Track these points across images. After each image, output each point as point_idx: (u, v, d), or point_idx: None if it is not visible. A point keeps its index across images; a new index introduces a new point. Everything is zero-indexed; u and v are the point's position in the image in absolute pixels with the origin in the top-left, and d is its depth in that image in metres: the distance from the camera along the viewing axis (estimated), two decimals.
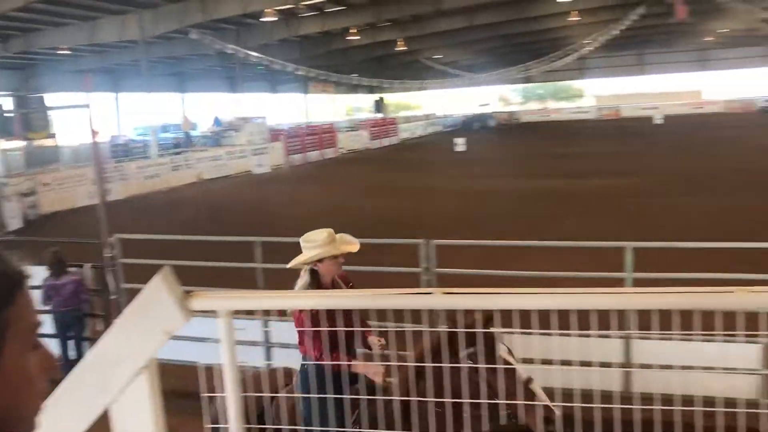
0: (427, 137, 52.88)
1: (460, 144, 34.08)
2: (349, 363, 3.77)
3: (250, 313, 6.04)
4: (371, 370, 3.80)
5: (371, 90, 58.45)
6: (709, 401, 3.51)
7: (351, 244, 4.01)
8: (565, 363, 4.25)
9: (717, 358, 4.62)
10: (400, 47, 41.61)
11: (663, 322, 2.89)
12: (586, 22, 39.30)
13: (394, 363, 3.83)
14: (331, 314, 3.49)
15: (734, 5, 31.51)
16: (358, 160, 35.35)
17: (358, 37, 37.00)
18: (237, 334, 1.93)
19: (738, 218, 13.33)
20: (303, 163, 33.66)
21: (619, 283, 5.65)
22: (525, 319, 2.62)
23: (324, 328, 3.54)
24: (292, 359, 5.88)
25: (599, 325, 3.03)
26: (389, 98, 67.01)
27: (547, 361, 4.17)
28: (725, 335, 3.80)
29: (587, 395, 2.94)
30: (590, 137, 40.01)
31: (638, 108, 63.56)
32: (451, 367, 3.04)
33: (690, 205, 15.20)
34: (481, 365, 3.27)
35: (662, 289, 1.87)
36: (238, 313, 1.85)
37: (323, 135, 38.59)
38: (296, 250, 3.98)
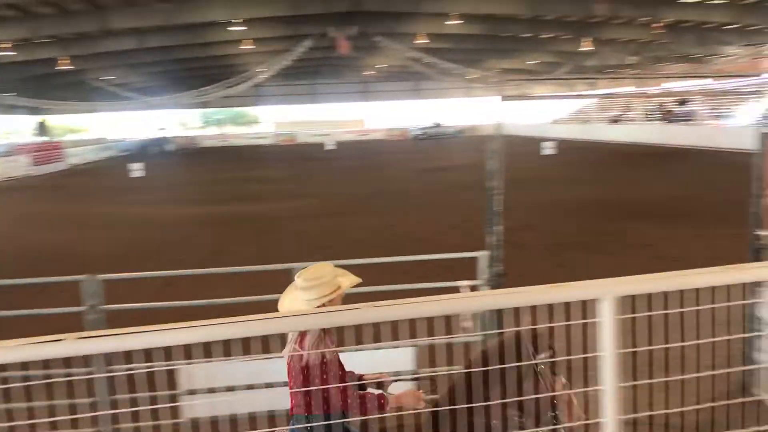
0: (99, 162, 49.53)
1: (136, 169, 32.50)
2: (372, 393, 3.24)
3: None
4: (412, 397, 3.34)
5: (33, 111, 52.72)
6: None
7: (350, 275, 3.51)
8: (229, 389, 4.28)
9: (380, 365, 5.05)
10: (65, 66, 38.31)
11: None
12: (260, 50, 40.58)
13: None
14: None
15: (386, 44, 35.28)
16: (15, 188, 31.51)
17: (14, 53, 33.16)
18: None
19: (400, 234, 14.87)
20: None
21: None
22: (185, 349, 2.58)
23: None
24: None
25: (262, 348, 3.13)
26: (54, 120, 61.18)
27: (211, 390, 4.15)
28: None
29: (252, 419, 3.00)
30: (268, 162, 41.20)
31: (312, 135, 67.57)
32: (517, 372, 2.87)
33: (358, 223, 16.51)
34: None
35: (311, 311, 1.98)
36: None
37: None
38: None
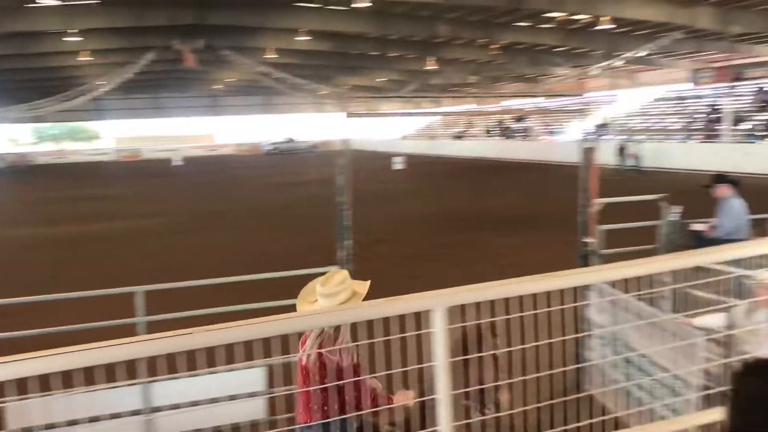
0: None
1: None
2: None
3: None
4: (405, 396, 3.39)
5: None
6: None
7: (359, 281, 3.67)
8: (72, 423, 4.00)
9: (223, 389, 4.94)
10: None
11: (170, 364, 2.95)
12: (99, 62, 38.46)
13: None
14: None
15: (235, 58, 34.71)
16: None
17: None
18: None
19: (251, 251, 14.61)
20: None
21: (130, 329, 5.59)
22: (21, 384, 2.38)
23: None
24: None
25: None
26: None
27: (50, 426, 3.86)
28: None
29: None
30: (111, 179, 39.18)
31: (158, 150, 65.01)
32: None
33: (207, 242, 16.04)
34: None
35: (147, 336, 1.90)
36: None
37: None
38: None
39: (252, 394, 5.53)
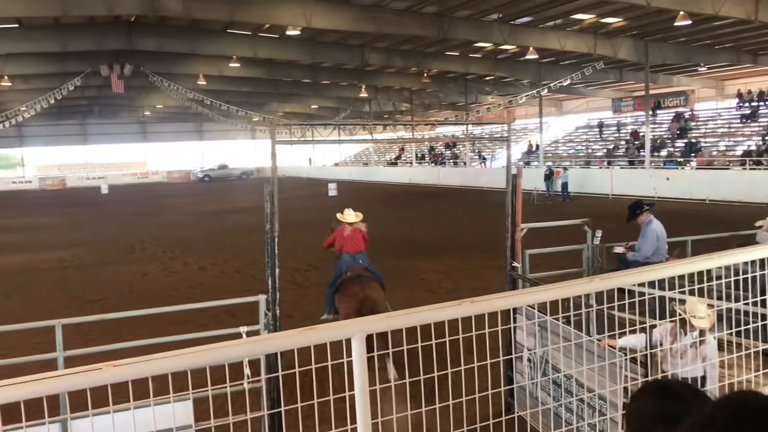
0: None
1: None
2: None
3: None
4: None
5: None
6: None
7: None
8: None
9: (149, 424, 4.75)
10: None
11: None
12: (21, 88, 37.23)
13: None
14: None
15: (164, 84, 34.16)
16: None
17: None
18: None
19: (179, 281, 14.27)
20: None
21: (52, 363, 5.37)
22: None
23: None
24: None
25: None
26: None
27: None
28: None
29: None
30: (34, 209, 37.71)
31: (84, 178, 63.19)
32: None
33: (133, 272, 15.56)
34: None
35: (60, 372, 1.82)
36: None
37: None
38: None
39: (180, 429, 5.37)
